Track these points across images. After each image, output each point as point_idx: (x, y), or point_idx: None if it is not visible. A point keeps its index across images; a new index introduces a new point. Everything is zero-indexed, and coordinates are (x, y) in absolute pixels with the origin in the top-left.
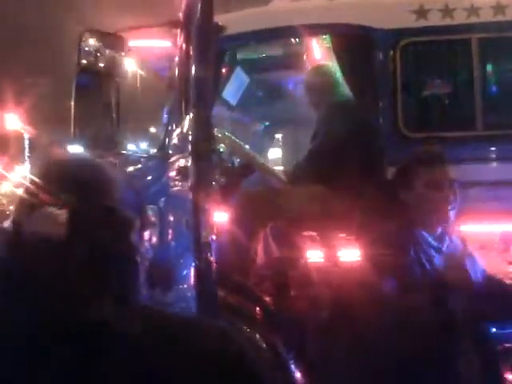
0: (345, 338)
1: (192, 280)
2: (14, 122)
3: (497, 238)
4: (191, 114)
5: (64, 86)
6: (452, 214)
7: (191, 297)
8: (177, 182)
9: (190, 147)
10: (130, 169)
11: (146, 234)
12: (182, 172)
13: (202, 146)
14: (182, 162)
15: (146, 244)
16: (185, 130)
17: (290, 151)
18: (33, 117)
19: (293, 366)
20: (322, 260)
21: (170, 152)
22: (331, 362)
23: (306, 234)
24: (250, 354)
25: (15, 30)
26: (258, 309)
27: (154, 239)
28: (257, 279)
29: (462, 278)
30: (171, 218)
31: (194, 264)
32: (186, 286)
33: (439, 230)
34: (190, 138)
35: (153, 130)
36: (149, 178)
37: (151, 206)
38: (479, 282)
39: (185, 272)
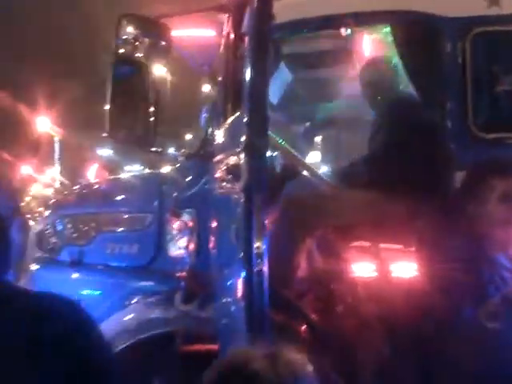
0: (398, 361)
1: (238, 293)
2: (45, 124)
3: None
4: (241, 112)
5: (96, 90)
6: None
7: (236, 311)
8: (223, 183)
9: (241, 145)
10: (167, 169)
11: (181, 241)
12: (233, 171)
13: (258, 144)
14: (232, 161)
15: (181, 251)
16: (233, 129)
17: (331, 154)
18: (64, 120)
19: None
20: (373, 274)
21: (214, 151)
22: None
23: (356, 244)
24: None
25: (47, 31)
26: (304, 327)
27: (192, 246)
28: (299, 294)
29: None
30: (215, 223)
31: (243, 276)
32: (230, 299)
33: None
34: (241, 135)
35: (187, 134)
36: (188, 178)
37: (188, 210)
38: None
39: (230, 284)
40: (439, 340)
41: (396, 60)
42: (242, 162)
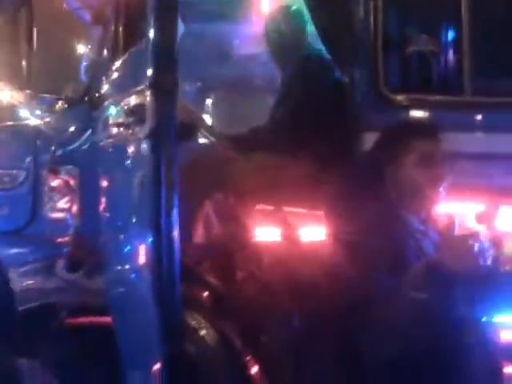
0: (304, 327)
1: (139, 260)
2: None
3: (481, 216)
4: (142, 47)
5: None
6: (443, 194)
7: (135, 280)
8: (120, 130)
9: (146, 82)
10: (43, 118)
11: (62, 202)
12: (135, 113)
13: (167, 80)
14: (133, 100)
15: (62, 214)
16: (131, 67)
17: (224, 116)
18: None
19: (248, 361)
20: (278, 238)
21: (101, 97)
22: (291, 355)
23: (259, 207)
24: None
25: None
26: (206, 294)
27: (75, 207)
28: (198, 260)
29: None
30: (105, 180)
31: (150, 241)
32: (127, 267)
33: (425, 211)
34: (143, 72)
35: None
36: (69, 129)
37: (69, 166)
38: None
39: (127, 250)
40: (350, 308)
41: (305, 15)
42: (147, 101)
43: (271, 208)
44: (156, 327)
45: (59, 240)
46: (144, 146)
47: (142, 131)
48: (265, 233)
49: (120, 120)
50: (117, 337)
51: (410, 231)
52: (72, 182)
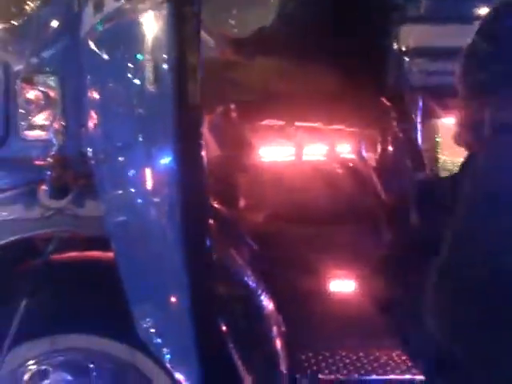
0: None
1: (150, 182)
2: None
3: None
4: None
5: None
6: None
7: (142, 206)
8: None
9: None
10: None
11: (42, 117)
12: None
13: None
14: None
15: (43, 132)
16: None
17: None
18: None
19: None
20: (287, 158)
21: None
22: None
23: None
24: None
25: None
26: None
27: (58, 123)
28: None
29: None
30: (96, 88)
31: (168, 154)
32: (133, 190)
33: None
34: None
35: None
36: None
37: (48, 74)
38: None
39: (133, 171)
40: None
41: None
42: None
43: (279, 123)
44: (174, 261)
45: (39, 162)
46: (155, 21)
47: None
48: (271, 152)
49: None
50: (120, 271)
51: None
52: (52, 94)
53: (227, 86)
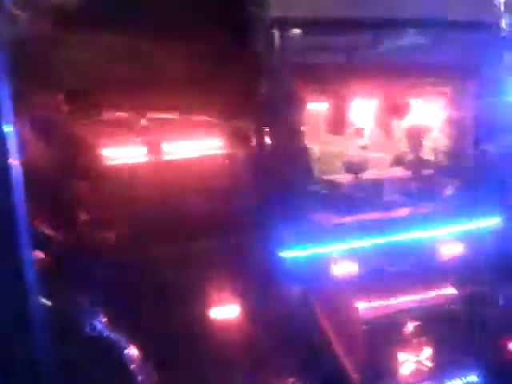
0: None
1: None
2: None
3: None
4: None
5: None
6: None
7: None
8: None
9: None
10: None
11: None
12: None
13: None
14: None
15: None
16: None
17: None
18: None
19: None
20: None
21: None
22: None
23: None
24: None
25: None
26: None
27: None
28: None
29: None
30: None
31: None
32: None
33: None
34: None
35: None
36: None
37: None
38: None
39: None
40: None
41: None
42: None
43: (125, 115)
44: None
45: None
46: None
47: None
48: (118, 153)
49: None
50: None
51: None
52: None
53: (52, 71)
